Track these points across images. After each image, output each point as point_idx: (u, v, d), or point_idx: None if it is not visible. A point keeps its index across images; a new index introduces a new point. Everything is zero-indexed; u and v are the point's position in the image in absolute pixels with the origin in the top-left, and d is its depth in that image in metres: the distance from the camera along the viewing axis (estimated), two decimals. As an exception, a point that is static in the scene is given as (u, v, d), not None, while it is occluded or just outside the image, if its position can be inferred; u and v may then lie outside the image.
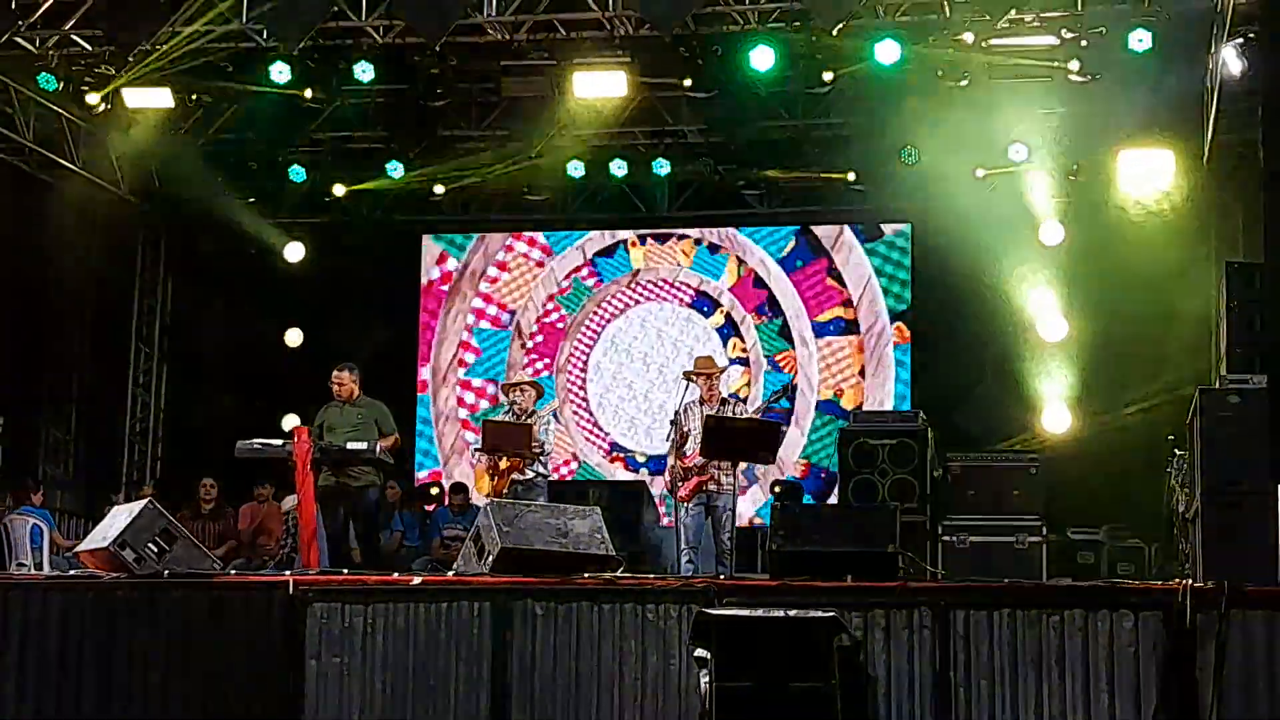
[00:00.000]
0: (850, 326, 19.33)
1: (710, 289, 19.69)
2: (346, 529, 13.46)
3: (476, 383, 20.03)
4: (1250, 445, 10.22)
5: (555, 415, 18.62)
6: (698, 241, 19.78)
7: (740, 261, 19.62)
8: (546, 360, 19.94)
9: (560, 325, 19.96)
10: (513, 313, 20.07)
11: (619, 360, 19.78)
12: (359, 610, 10.01)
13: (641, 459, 19.36)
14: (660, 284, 19.86)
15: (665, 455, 13.29)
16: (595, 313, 19.92)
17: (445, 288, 20.23)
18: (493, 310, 20.14)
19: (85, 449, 20.20)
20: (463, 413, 19.91)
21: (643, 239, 19.91)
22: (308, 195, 19.79)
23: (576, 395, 19.80)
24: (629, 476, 19.06)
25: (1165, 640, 8.70)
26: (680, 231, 19.82)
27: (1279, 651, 8.54)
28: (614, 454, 19.56)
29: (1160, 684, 8.67)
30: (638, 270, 19.88)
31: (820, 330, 19.40)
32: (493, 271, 20.19)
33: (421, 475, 19.63)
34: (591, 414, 19.72)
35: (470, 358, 20.16)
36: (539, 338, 19.99)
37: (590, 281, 19.97)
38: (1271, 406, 9.77)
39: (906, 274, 19.24)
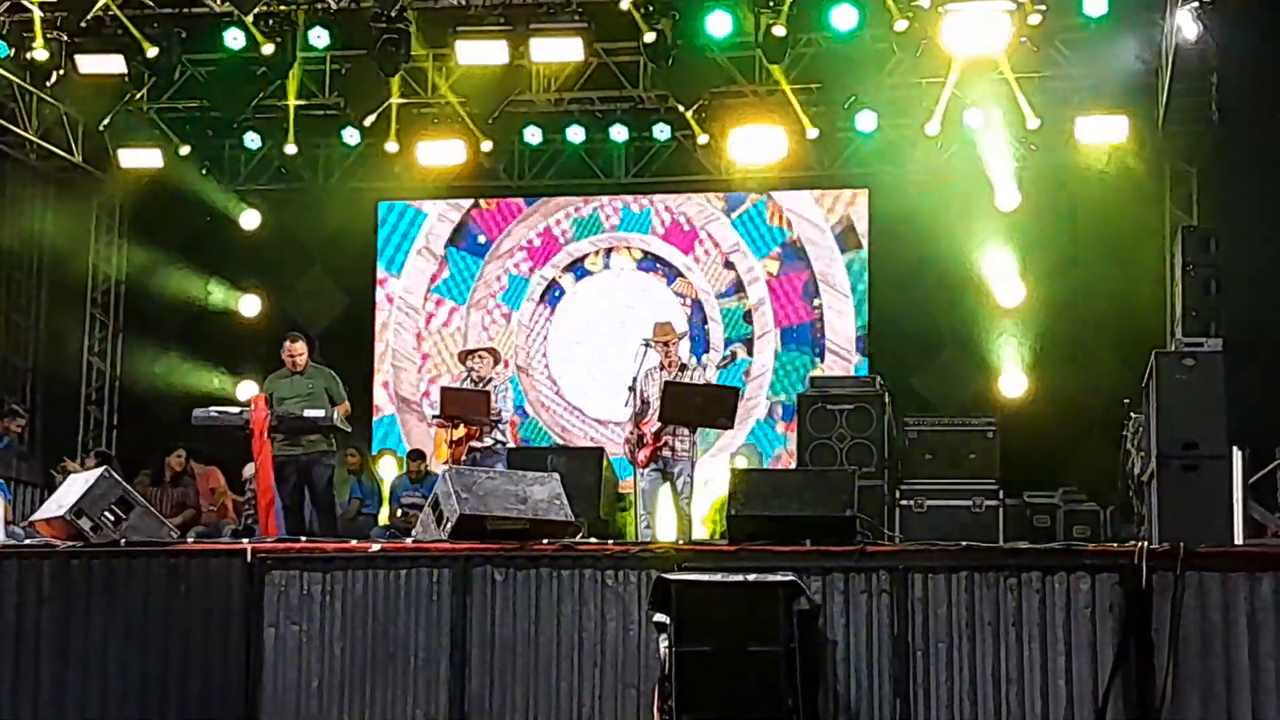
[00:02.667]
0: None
1: (647, 245, 19.64)
2: (302, 498, 13.43)
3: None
4: (1205, 408, 10.26)
5: (514, 380, 18.63)
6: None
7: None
8: (506, 313, 19.91)
9: (524, 277, 19.92)
10: (489, 244, 20.00)
11: (576, 338, 19.73)
12: (317, 578, 9.99)
13: (594, 421, 19.33)
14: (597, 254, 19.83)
15: (623, 422, 13.28)
16: (540, 300, 19.87)
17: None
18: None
19: (41, 418, 20.08)
20: (424, 383, 19.86)
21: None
22: (263, 162, 19.70)
23: (539, 369, 19.75)
24: (583, 440, 19.07)
25: (1121, 601, 8.75)
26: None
27: (1234, 611, 8.60)
28: (565, 412, 19.54)
29: (1117, 644, 8.73)
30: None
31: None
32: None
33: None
34: (556, 384, 19.70)
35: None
36: (501, 288, 19.96)
37: (523, 269, 19.92)
38: (1226, 369, 9.82)
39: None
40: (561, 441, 19.20)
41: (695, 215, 19.53)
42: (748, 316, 19.33)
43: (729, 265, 19.42)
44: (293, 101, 18.32)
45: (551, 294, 19.83)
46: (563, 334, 19.77)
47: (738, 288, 19.41)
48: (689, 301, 19.41)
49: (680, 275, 19.55)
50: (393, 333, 20.00)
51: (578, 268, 19.82)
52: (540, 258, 19.86)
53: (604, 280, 19.77)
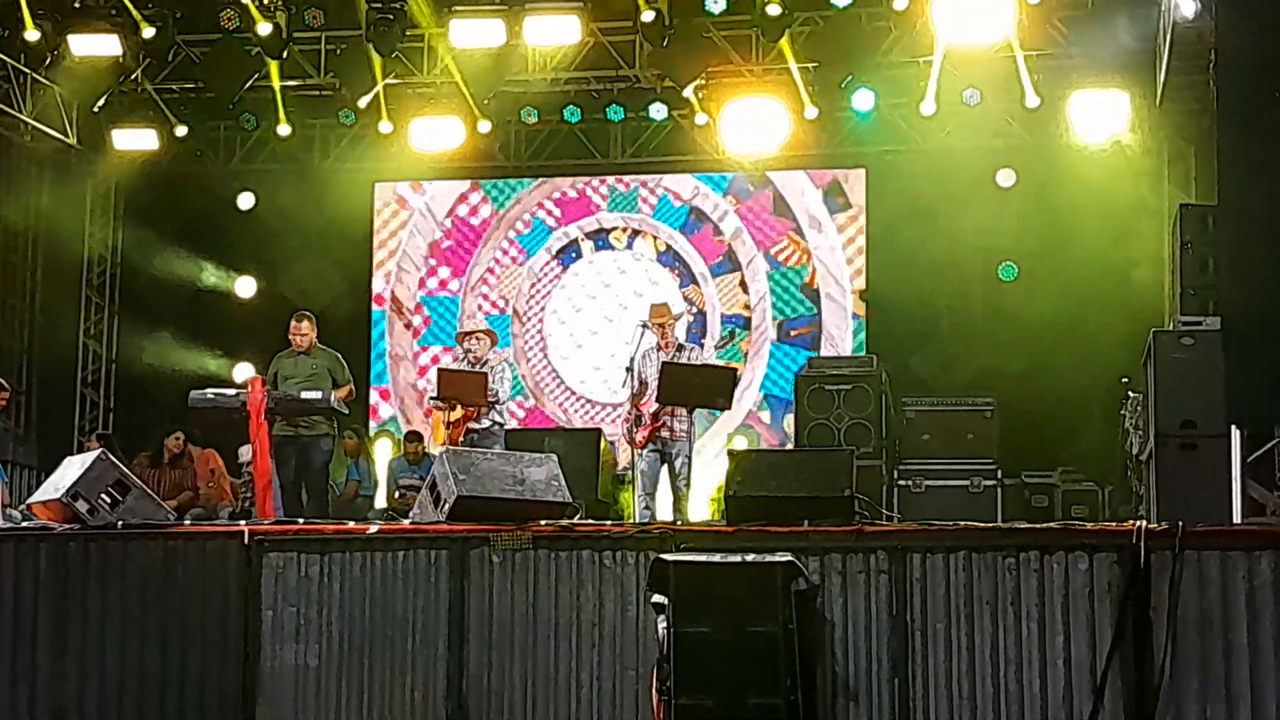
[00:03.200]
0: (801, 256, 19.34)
1: (674, 241, 19.63)
2: (299, 479, 13.40)
3: (432, 351, 19.96)
4: (1204, 387, 10.27)
5: (510, 364, 18.62)
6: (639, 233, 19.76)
7: (700, 213, 19.58)
8: (503, 299, 19.91)
9: (519, 263, 19.90)
10: (461, 278, 20.01)
11: (577, 304, 19.72)
12: (315, 560, 9.96)
13: (594, 405, 19.33)
14: (624, 231, 19.80)
15: (621, 404, 13.27)
16: (555, 255, 19.85)
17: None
18: (444, 273, 20.07)
19: (37, 401, 20.06)
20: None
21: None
22: (259, 142, 19.65)
23: (535, 345, 19.75)
24: (580, 422, 19.08)
25: (1120, 581, 8.73)
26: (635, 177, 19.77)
27: (1232, 591, 8.59)
28: (566, 397, 19.55)
29: (1115, 623, 8.71)
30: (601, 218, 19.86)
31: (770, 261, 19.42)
32: (441, 239, 20.12)
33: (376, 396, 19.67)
34: (547, 357, 19.69)
35: (420, 324, 20.12)
36: (495, 273, 19.92)
37: (550, 221, 19.91)
38: (1225, 348, 9.80)
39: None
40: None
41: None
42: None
43: (743, 287, 19.40)
44: (277, 83, 18.24)
45: (568, 253, 19.80)
46: (566, 295, 19.74)
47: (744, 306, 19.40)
48: (694, 311, 19.32)
49: (695, 282, 19.52)
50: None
51: (600, 238, 19.77)
52: (570, 215, 19.83)
53: (622, 258, 19.73)
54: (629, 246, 19.72)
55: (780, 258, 19.31)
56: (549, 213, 19.88)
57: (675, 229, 19.58)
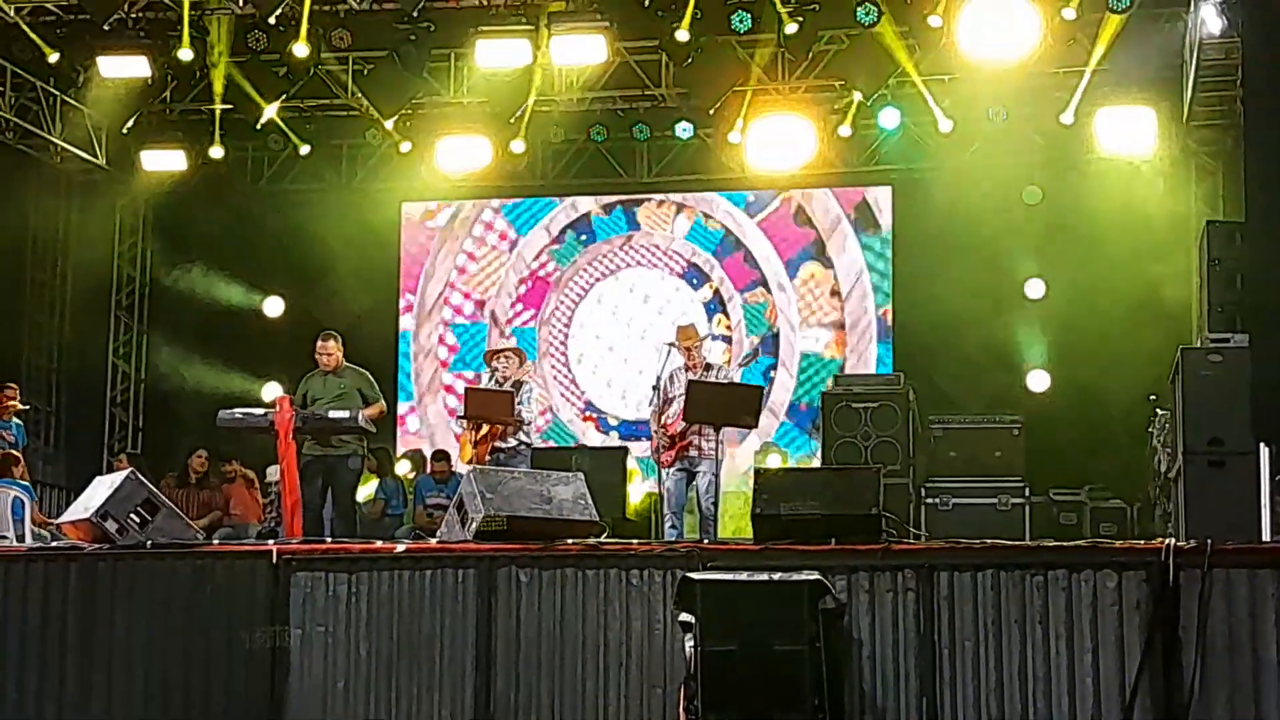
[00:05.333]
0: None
1: (701, 262, 19.67)
2: (325, 499, 13.42)
3: (467, 375, 20.00)
4: (1231, 404, 10.24)
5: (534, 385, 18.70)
6: (682, 208, 19.75)
7: (732, 235, 19.62)
8: (532, 311, 19.95)
9: (551, 277, 19.94)
10: (483, 303, 20.06)
11: (603, 320, 19.77)
12: (343, 579, 9.99)
13: (614, 422, 19.37)
14: (653, 249, 19.83)
15: (644, 421, 13.26)
16: (585, 270, 19.91)
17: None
18: (468, 307, 20.13)
19: (66, 420, 20.15)
20: (450, 400, 19.90)
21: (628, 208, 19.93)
22: (286, 163, 19.72)
23: (557, 351, 19.80)
24: (600, 438, 19.10)
25: (1148, 599, 8.71)
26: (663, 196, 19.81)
27: (1261, 608, 8.55)
28: (587, 414, 19.57)
29: (1144, 642, 8.68)
30: (632, 234, 19.86)
31: (792, 268, 19.42)
32: (461, 260, 20.14)
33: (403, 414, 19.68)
34: (570, 371, 19.73)
35: (447, 354, 20.18)
36: (527, 285, 19.99)
37: (584, 238, 19.97)
38: (1252, 365, 9.77)
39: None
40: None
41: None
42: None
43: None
44: (315, 101, 18.35)
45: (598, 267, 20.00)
46: (590, 316, 19.84)
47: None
48: (718, 337, 19.39)
49: (722, 310, 19.58)
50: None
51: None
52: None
53: (650, 276, 19.81)
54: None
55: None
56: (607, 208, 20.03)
57: (708, 252, 19.68)
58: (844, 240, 19.28)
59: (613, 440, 18.96)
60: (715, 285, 19.63)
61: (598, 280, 19.89)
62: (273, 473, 15.71)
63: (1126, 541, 11.22)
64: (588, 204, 19.99)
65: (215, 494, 16.75)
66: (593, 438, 19.30)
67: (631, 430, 18.80)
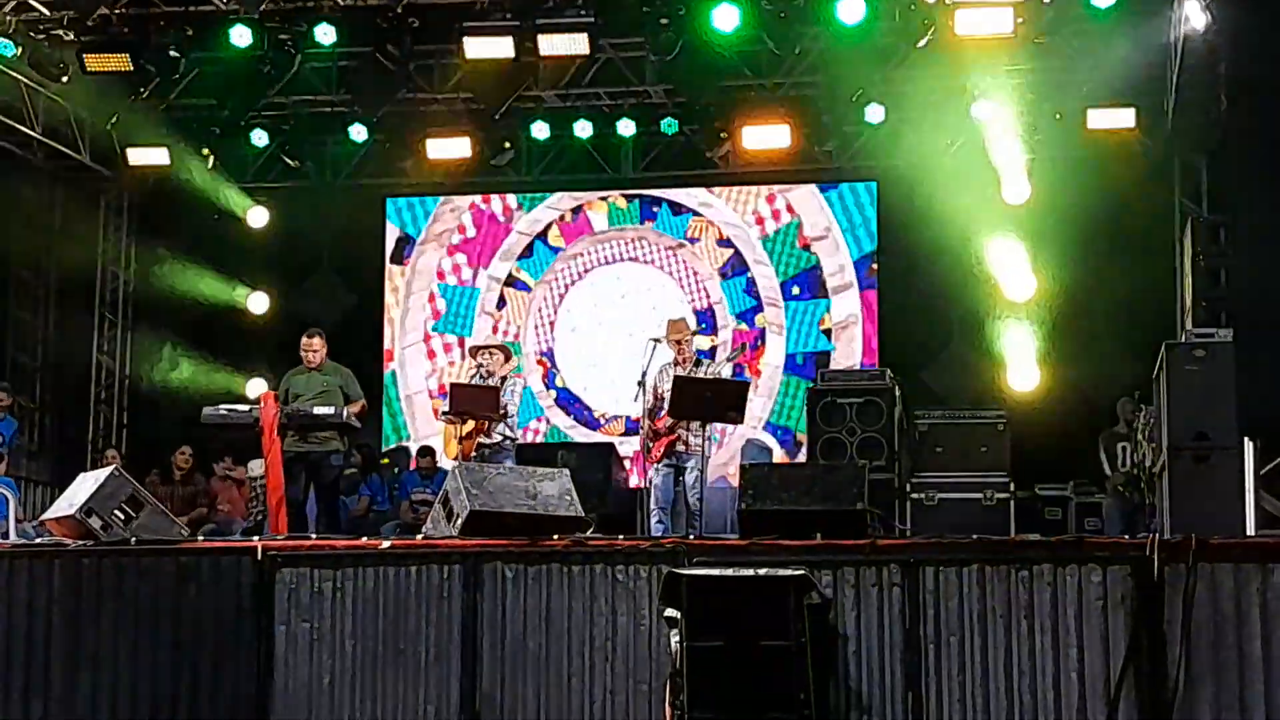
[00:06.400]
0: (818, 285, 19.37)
1: (674, 245, 19.66)
2: (308, 496, 13.42)
3: (447, 339, 19.96)
4: (1216, 399, 10.26)
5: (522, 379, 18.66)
6: (657, 201, 19.75)
7: (703, 220, 19.61)
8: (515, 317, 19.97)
9: (530, 276, 19.94)
10: (476, 270, 20.02)
11: (587, 316, 19.73)
12: (328, 575, 9.99)
13: (601, 418, 19.34)
14: (627, 242, 19.83)
15: (634, 417, 13.27)
16: (566, 268, 19.87)
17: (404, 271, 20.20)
18: (461, 267, 20.10)
19: (51, 417, 20.10)
20: (432, 382, 19.83)
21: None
22: (270, 159, 19.69)
23: (543, 347, 19.77)
24: (587, 434, 19.08)
25: (1133, 593, 8.73)
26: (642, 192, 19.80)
27: (1246, 603, 8.58)
28: (572, 409, 19.56)
29: (1129, 636, 8.71)
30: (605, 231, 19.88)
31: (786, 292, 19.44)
32: (457, 239, 20.13)
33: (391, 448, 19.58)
34: (556, 367, 19.71)
35: (436, 310, 20.13)
36: (509, 288, 19.96)
37: (562, 235, 19.97)
38: (1237, 360, 9.80)
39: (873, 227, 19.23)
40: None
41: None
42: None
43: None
44: (299, 98, 18.31)
45: (570, 273, 19.88)
46: (572, 320, 19.79)
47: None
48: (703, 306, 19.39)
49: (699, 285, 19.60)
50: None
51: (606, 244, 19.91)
52: (571, 234, 19.88)
53: (627, 269, 19.76)
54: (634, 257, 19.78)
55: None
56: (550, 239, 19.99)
57: (679, 237, 19.66)
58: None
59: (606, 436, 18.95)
60: (690, 265, 19.62)
61: (581, 275, 19.84)
62: (254, 467, 15.73)
63: (1111, 536, 11.25)
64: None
65: (200, 491, 16.72)
66: (582, 433, 19.29)
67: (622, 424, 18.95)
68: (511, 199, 20.02)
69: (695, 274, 19.55)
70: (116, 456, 16.93)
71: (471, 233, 20.09)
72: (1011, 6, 15.47)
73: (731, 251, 19.47)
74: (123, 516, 10.53)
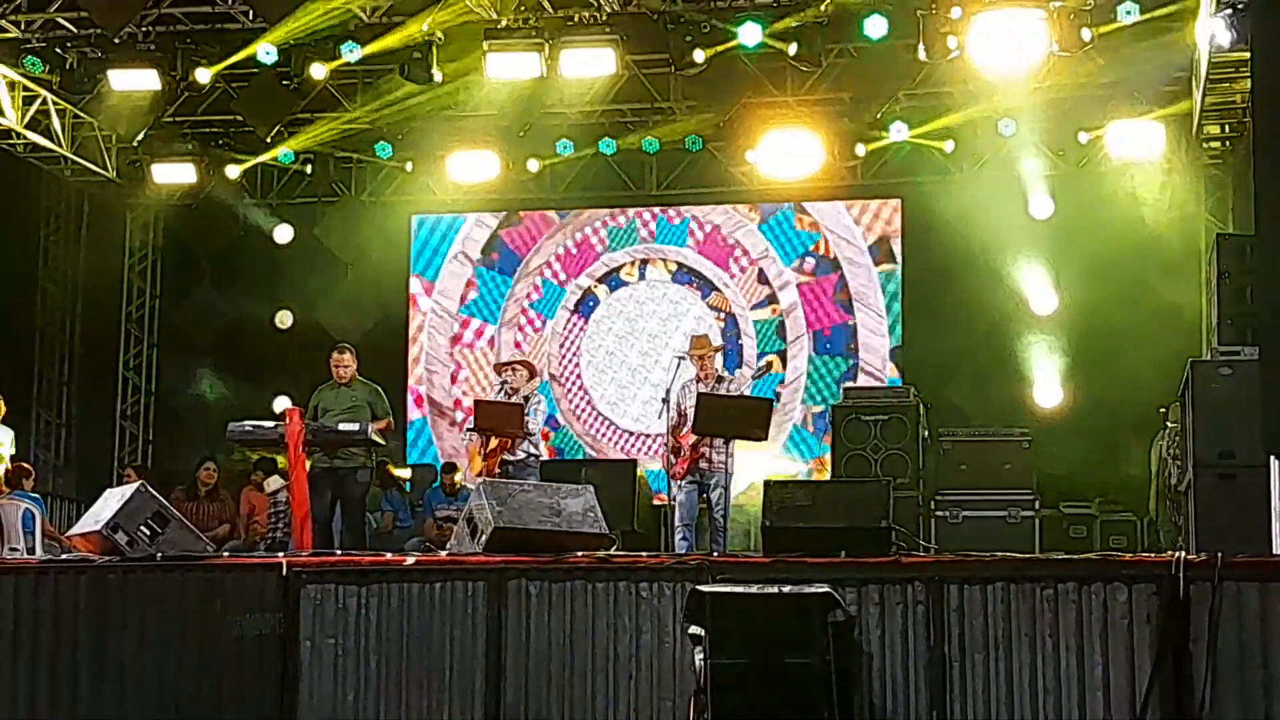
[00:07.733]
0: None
1: (684, 259, 19.67)
2: (333, 512, 13.44)
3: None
4: (1242, 417, 10.22)
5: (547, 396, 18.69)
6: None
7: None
8: (538, 322, 19.97)
9: (540, 330, 19.96)
10: (518, 261, 20.06)
11: (609, 349, 19.75)
12: (353, 591, 9.98)
13: (626, 433, 19.35)
14: (633, 264, 19.85)
15: (657, 433, 13.27)
16: (574, 309, 19.91)
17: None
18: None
19: (77, 433, 20.18)
20: (457, 391, 19.87)
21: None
22: (296, 176, 19.75)
23: (569, 361, 19.79)
24: (614, 450, 19.10)
25: (1159, 612, 8.69)
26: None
27: (1272, 622, 8.53)
28: (597, 423, 19.56)
29: (1154, 655, 8.67)
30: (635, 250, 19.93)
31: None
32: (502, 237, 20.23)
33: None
34: (581, 382, 19.73)
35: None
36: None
37: (558, 279, 19.99)
38: (1263, 377, 9.75)
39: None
40: (593, 452, 19.24)
41: (724, 223, 19.56)
42: (780, 329, 19.32)
43: (762, 279, 19.42)
44: (323, 114, 18.37)
45: (586, 303, 19.87)
46: (596, 344, 19.81)
47: (770, 300, 19.41)
48: (723, 315, 19.43)
49: (715, 289, 19.56)
50: (427, 336, 20.09)
51: (612, 278, 19.84)
52: (575, 267, 19.92)
53: (639, 291, 19.79)
54: (642, 277, 19.77)
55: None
56: (555, 273, 19.94)
57: (680, 245, 19.64)
58: (864, 270, 19.27)
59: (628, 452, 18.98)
60: (701, 272, 19.63)
61: (606, 291, 19.88)
62: (272, 483, 15.76)
63: (1137, 554, 11.21)
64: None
65: (225, 506, 16.75)
66: (606, 446, 19.33)
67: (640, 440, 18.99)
68: (553, 214, 20.05)
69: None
70: (133, 475, 16.95)
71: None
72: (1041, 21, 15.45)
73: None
74: (148, 532, 10.55)
